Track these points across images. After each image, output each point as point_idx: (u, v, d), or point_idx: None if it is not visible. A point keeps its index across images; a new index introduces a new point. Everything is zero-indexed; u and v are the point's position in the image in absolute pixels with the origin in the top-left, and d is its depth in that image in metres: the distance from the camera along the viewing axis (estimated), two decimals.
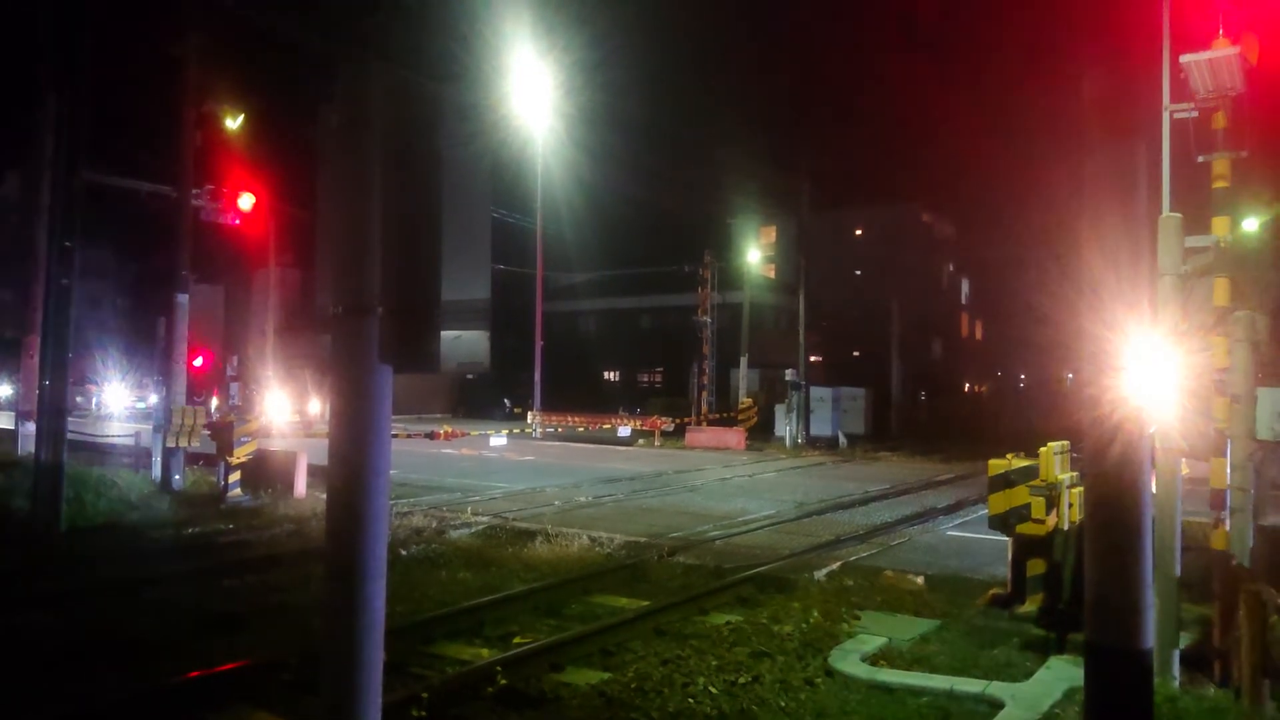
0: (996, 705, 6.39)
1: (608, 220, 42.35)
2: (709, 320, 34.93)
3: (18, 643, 7.50)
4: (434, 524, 12.94)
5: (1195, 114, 7.62)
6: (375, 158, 2.77)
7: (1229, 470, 7.04)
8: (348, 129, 2.84)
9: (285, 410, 31.01)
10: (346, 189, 2.82)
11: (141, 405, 35.85)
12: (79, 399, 36.29)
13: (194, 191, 16.64)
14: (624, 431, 32.75)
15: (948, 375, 49.68)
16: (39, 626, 7.88)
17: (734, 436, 30.67)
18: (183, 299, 16.22)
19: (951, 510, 16.47)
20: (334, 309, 2.78)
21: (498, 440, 28.68)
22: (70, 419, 13.35)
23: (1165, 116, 7.66)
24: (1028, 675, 7.00)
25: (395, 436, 24.64)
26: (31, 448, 13.99)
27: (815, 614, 8.63)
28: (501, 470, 21.62)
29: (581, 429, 34.36)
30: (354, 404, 2.77)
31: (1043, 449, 8.22)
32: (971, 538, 13.33)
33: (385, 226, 2.73)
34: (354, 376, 2.75)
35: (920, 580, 10.24)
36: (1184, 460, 6.97)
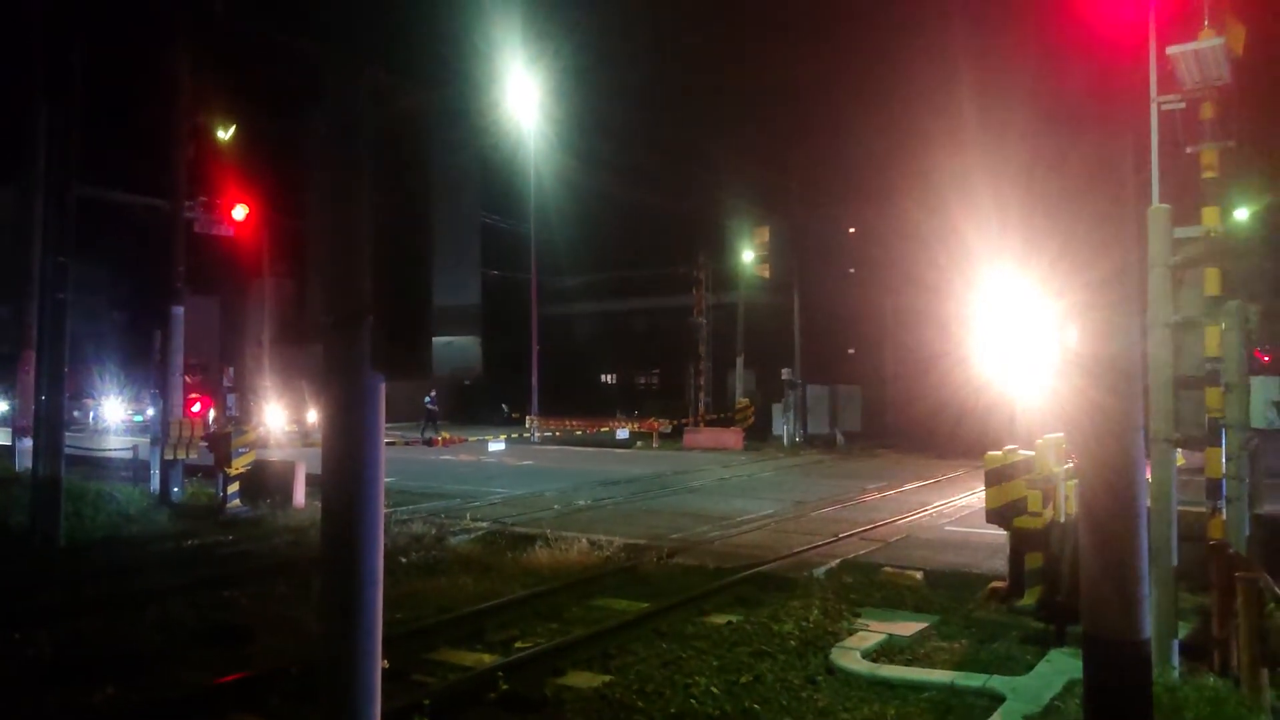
0: (997, 699, 6.41)
1: (601, 223, 42.27)
2: (704, 321, 34.95)
3: (18, 658, 7.48)
4: (434, 531, 12.93)
5: (1183, 105, 7.66)
6: (364, 164, 2.78)
7: (1224, 460, 7.07)
8: (336, 135, 2.84)
9: (283, 420, 31.00)
10: (335, 196, 2.83)
11: (139, 418, 35.80)
12: (76, 413, 36.20)
13: (187, 203, 16.64)
14: (622, 434, 32.76)
15: (945, 371, 49.60)
16: (40, 641, 7.86)
17: (732, 437, 30.69)
18: (177, 311, 16.21)
19: (949, 505, 16.49)
20: (324, 318, 2.79)
21: (496, 445, 28.68)
22: (67, 433, 13.32)
23: (1154, 108, 7.70)
24: (1028, 668, 7.02)
25: (393, 444, 24.57)
26: (29, 463, 13.97)
27: (815, 612, 8.64)
28: (500, 475, 21.62)
29: (579, 432, 34.35)
30: (347, 413, 2.77)
31: (1039, 442, 8.24)
32: (970, 532, 13.35)
33: (375, 233, 2.73)
34: (346, 386, 2.76)
35: (919, 576, 10.26)
36: (1179, 450, 7.00)
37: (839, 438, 32.42)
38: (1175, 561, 6.56)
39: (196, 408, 16.45)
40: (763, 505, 16.45)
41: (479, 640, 8.15)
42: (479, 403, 43.99)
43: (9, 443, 20.45)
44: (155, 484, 15.77)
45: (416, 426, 32.43)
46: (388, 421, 3.03)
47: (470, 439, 31.28)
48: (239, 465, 14.84)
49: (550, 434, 34.32)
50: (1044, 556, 8.02)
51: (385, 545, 3.01)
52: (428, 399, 33.44)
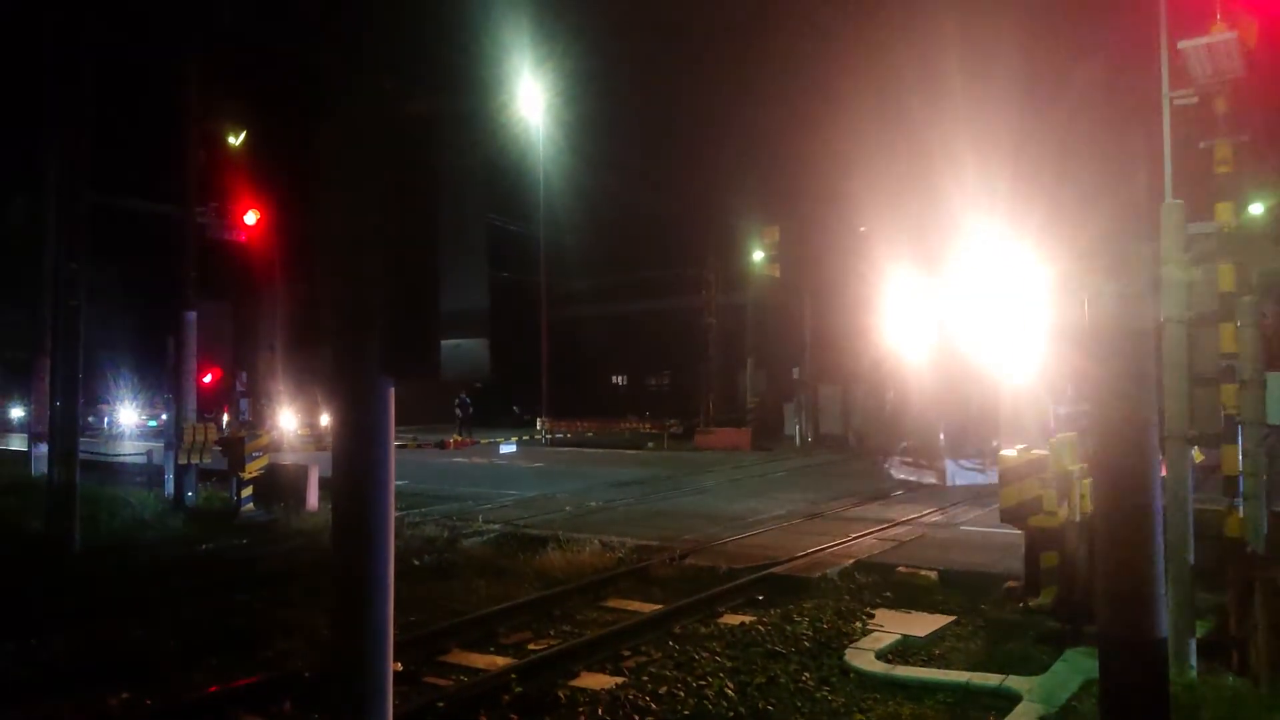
0: (1013, 699, 6.36)
1: (610, 225, 42.30)
2: (714, 322, 34.94)
3: (34, 662, 7.54)
4: (446, 533, 12.95)
5: (1195, 100, 7.60)
6: (372, 168, 2.79)
7: (1241, 456, 6.99)
8: (344, 140, 2.85)
9: (295, 424, 31.14)
10: (344, 201, 2.83)
11: (153, 423, 36.03)
12: (91, 419, 36.44)
13: (199, 209, 16.72)
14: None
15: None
16: (55, 646, 7.92)
17: (743, 437, 30.66)
18: (190, 316, 16.29)
19: (964, 505, 16.41)
20: (333, 322, 2.80)
21: (507, 448, 28.73)
22: (82, 439, 13.40)
23: (1165, 103, 7.64)
24: (1044, 668, 6.97)
25: (404, 447, 24.61)
26: (44, 469, 14.07)
27: (829, 613, 8.62)
28: (512, 477, 21.64)
29: (590, 434, 34.36)
30: (356, 416, 2.77)
31: (1053, 440, 8.19)
32: (985, 531, 13.27)
33: (383, 238, 2.74)
34: (355, 389, 2.76)
35: (934, 576, 10.22)
36: (1195, 447, 6.93)
37: (851, 437, 32.32)
38: (1192, 560, 6.50)
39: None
40: (775, 505, 16.40)
41: (492, 642, 8.16)
42: (490, 405, 44.06)
43: (25, 448, 20.61)
44: (170, 488, 15.86)
45: (426, 429, 32.53)
46: (400, 424, 3.03)
47: (482, 441, 31.34)
48: (252, 469, 14.91)
49: (561, 435, 34.35)
50: (1059, 555, 7.96)
51: (397, 548, 3.01)
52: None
